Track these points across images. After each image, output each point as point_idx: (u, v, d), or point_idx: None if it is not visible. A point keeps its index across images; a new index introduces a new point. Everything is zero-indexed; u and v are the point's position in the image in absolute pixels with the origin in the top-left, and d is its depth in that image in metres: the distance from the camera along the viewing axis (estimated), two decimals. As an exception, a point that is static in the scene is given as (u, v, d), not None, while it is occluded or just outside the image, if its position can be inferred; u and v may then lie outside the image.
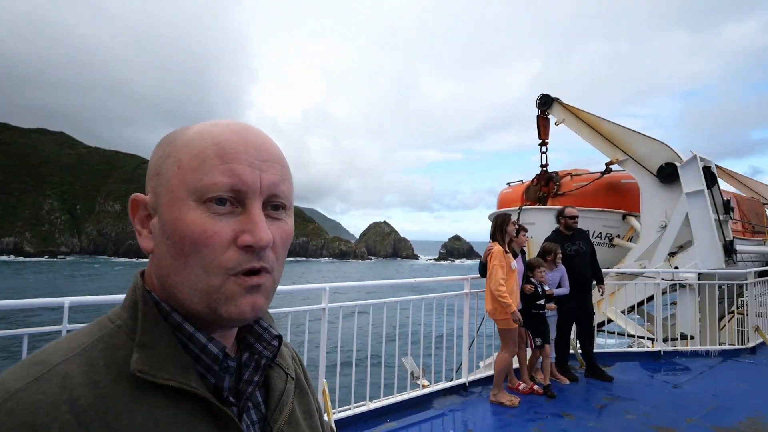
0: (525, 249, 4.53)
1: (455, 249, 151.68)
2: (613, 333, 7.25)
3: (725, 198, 6.42)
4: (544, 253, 4.56)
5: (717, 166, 13.09)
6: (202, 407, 0.48)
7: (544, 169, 8.26)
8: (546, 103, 7.92)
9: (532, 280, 4.33)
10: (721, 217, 6.19)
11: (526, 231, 4.44)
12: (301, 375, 0.67)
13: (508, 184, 9.36)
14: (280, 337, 0.59)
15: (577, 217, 4.67)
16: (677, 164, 6.40)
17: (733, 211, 6.43)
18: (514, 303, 3.94)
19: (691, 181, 6.20)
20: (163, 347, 0.48)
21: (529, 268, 4.36)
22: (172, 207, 0.49)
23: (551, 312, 4.57)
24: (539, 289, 4.35)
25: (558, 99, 7.87)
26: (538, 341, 4.33)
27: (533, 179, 8.35)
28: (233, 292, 0.48)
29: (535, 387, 4.23)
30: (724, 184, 13.37)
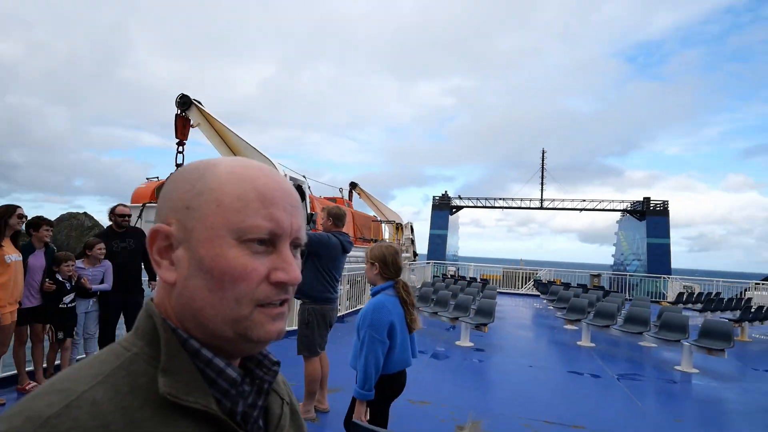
0: (50, 243, 4.38)
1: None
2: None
3: (311, 212, 8.17)
4: (85, 248, 4.56)
5: (362, 189, 16.87)
6: (219, 430, 0.50)
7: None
8: (185, 103, 8.14)
9: (57, 276, 4.24)
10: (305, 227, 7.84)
11: (51, 226, 4.31)
12: (294, 400, 0.69)
13: (147, 179, 9.11)
14: (278, 363, 0.61)
15: (129, 215, 4.90)
16: (275, 180, 7.73)
17: (314, 223, 8.24)
18: (11, 297, 3.73)
19: (282, 195, 7.61)
20: (185, 372, 0.50)
21: (55, 262, 4.26)
22: (213, 244, 0.51)
23: (91, 307, 4.59)
24: (68, 285, 4.30)
25: (198, 102, 8.23)
26: (60, 335, 4.27)
27: (167, 178, 8.41)
28: (261, 321, 0.53)
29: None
30: (365, 206, 17.14)
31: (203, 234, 0.51)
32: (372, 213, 16.42)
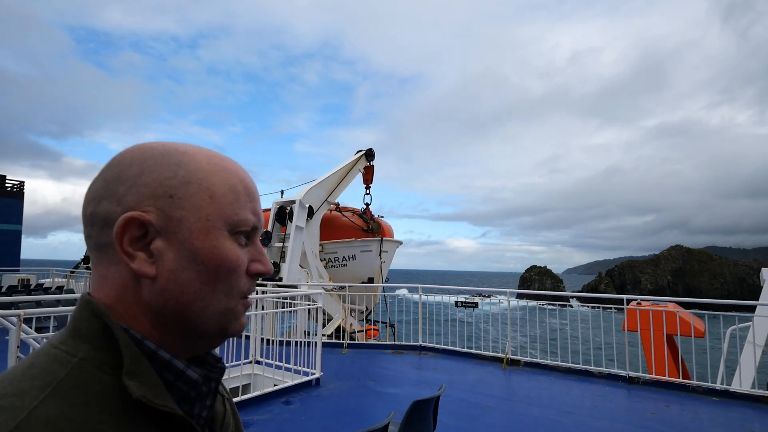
0: None
1: None
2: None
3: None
4: None
5: None
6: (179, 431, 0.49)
7: None
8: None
9: None
10: None
11: None
12: (230, 396, 0.68)
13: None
14: (221, 359, 0.60)
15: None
16: None
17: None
18: None
19: None
20: (149, 375, 0.48)
21: None
22: (208, 235, 0.52)
23: None
24: None
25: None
26: None
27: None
28: (240, 312, 0.56)
29: None
30: None
31: (197, 225, 0.52)
32: None
